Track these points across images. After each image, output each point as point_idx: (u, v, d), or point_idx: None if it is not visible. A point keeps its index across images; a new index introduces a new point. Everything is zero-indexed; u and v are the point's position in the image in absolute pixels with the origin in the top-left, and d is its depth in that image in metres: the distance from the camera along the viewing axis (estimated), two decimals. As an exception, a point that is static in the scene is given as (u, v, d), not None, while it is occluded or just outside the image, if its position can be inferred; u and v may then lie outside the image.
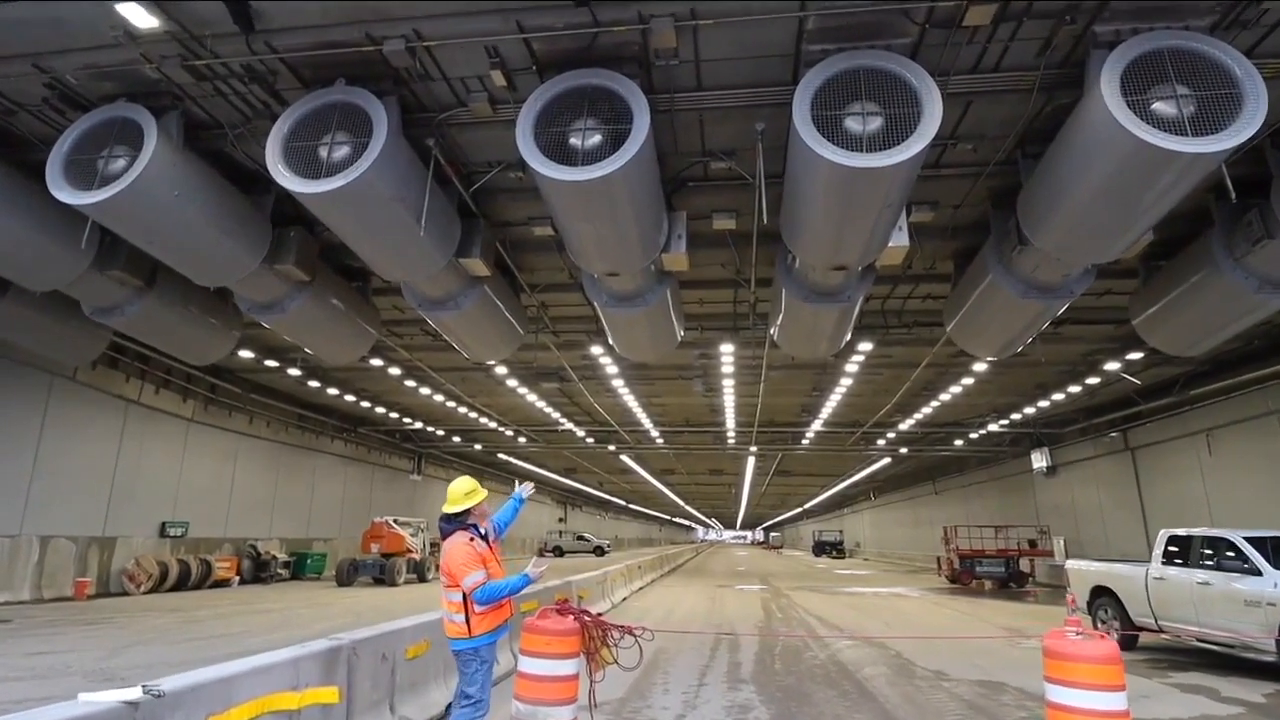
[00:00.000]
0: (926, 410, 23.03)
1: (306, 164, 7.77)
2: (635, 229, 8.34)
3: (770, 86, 7.72)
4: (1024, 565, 24.41)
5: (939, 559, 27.22)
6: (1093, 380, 18.41)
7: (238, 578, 20.07)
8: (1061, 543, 25.48)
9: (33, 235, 9.50)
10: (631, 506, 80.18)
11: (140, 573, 16.85)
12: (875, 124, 6.80)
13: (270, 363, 18.32)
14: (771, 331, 12.23)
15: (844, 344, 12.25)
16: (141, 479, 17.69)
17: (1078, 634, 4.38)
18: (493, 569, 4.32)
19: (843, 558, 55.43)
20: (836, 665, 8.55)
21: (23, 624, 11.16)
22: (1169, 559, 9.89)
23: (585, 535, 55.44)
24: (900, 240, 8.78)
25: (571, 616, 4.49)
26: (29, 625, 11.03)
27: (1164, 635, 9.79)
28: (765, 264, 11.66)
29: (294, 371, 18.96)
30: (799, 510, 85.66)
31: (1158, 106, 6.46)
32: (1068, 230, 8.07)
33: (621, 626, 4.51)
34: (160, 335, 12.22)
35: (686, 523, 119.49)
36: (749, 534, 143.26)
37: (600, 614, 5.18)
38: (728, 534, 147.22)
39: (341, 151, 7.77)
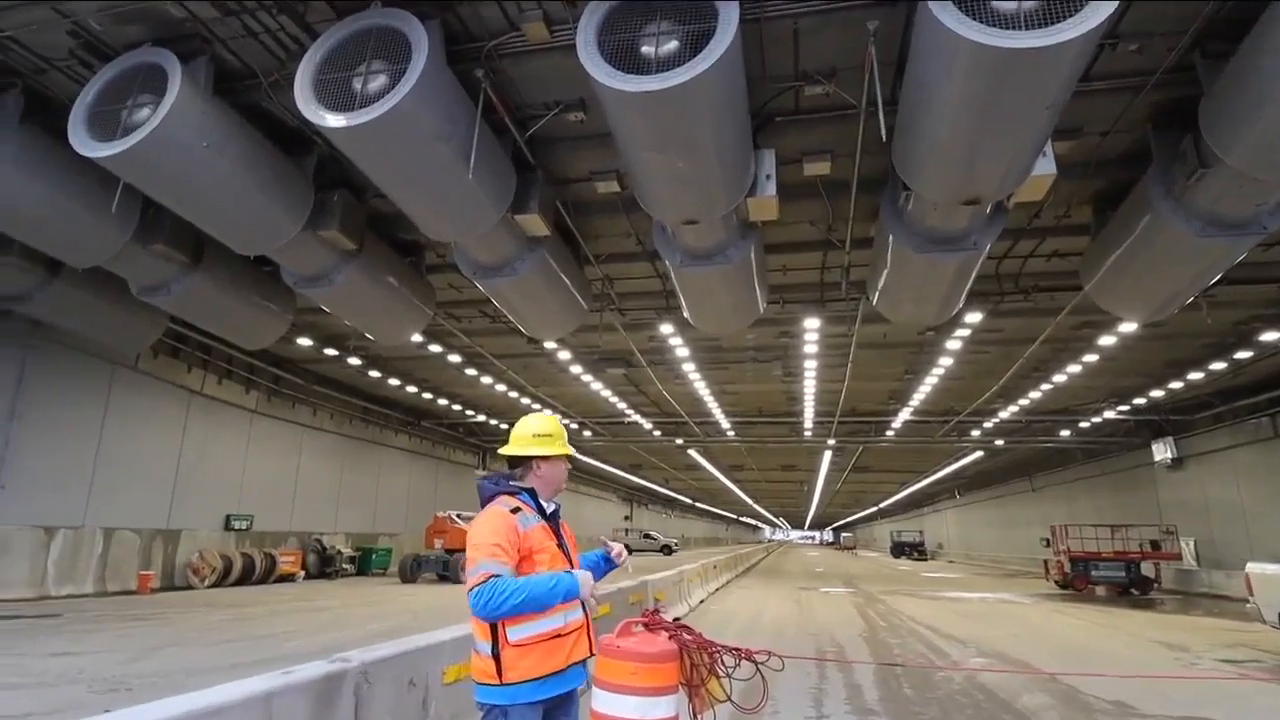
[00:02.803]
0: (1034, 395, 20.69)
1: (339, 97, 6.83)
2: (717, 160, 7.02)
3: (883, -21, 6.34)
4: (1147, 569, 21.70)
5: (1046, 562, 24.66)
6: (1242, 355, 15.86)
7: (302, 572, 19.68)
8: (1192, 544, 22.64)
9: (69, 204, 9.04)
10: (698, 505, 78.56)
11: (204, 566, 16.55)
12: (1032, -2, 5.32)
13: (329, 351, 17.84)
14: (870, 296, 10.66)
15: (956, 309, 10.54)
16: (205, 471, 17.42)
17: None
18: (548, 564, 2.53)
19: (924, 560, 52.32)
20: (983, 692, 6.91)
21: (70, 619, 10.72)
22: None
23: (652, 533, 53.91)
24: (1046, 168, 7.36)
25: (667, 634, 3.13)
26: (74, 620, 10.57)
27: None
28: (862, 220, 10.15)
29: (354, 360, 18.45)
30: (873, 510, 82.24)
31: None
32: (1274, 139, 6.36)
33: (735, 649, 3.15)
34: (209, 315, 11.69)
35: (754, 522, 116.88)
36: (817, 534, 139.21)
37: (678, 619, 3.80)
38: (795, 534, 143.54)
39: (378, 81, 6.82)
